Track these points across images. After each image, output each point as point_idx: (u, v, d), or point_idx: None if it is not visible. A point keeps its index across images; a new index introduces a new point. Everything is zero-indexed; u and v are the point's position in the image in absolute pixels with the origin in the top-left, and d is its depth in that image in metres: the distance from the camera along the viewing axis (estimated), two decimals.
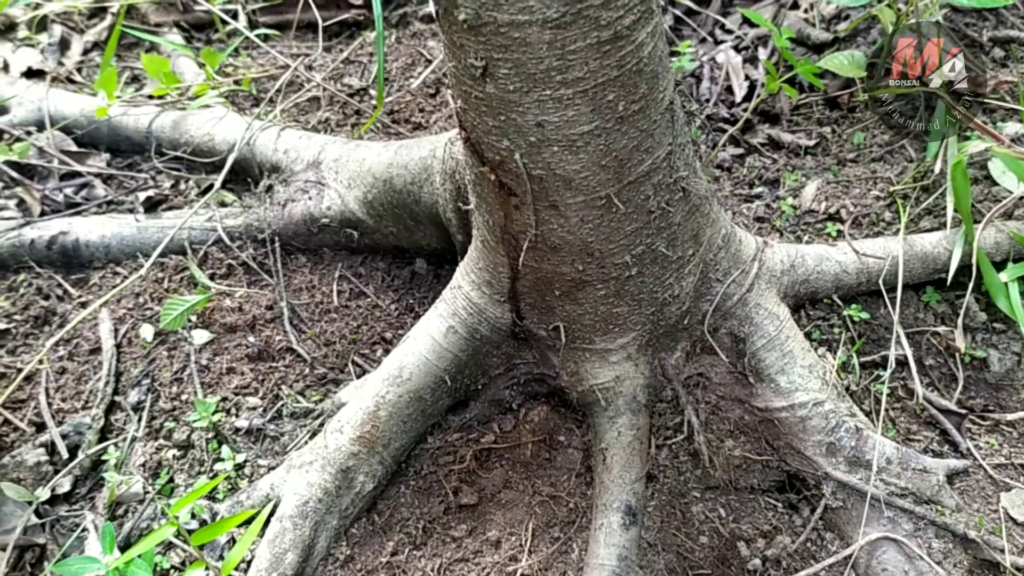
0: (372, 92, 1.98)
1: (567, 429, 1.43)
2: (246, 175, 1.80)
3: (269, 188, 1.67)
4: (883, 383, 1.41)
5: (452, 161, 1.37)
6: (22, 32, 2.26)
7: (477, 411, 1.43)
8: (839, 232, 1.55)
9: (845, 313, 1.46)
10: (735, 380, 1.39)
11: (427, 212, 1.50)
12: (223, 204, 1.73)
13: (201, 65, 2.10)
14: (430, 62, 2.04)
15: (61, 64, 2.23)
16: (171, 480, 1.39)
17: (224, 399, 1.48)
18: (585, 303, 1.25)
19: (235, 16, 2.16)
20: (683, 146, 1.15)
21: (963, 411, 1.41)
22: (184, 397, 1.50)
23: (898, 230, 1.50)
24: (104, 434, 1.46)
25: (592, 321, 1.28)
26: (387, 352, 1.55)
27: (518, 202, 1.12)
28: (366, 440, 1.30)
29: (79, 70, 2.22)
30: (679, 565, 1.33)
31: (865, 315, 1.46)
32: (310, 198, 1.62)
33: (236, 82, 1.98)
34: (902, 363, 1.45)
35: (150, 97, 1.98)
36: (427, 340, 1.33)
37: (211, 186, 1.75)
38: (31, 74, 2.17)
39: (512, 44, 0.94)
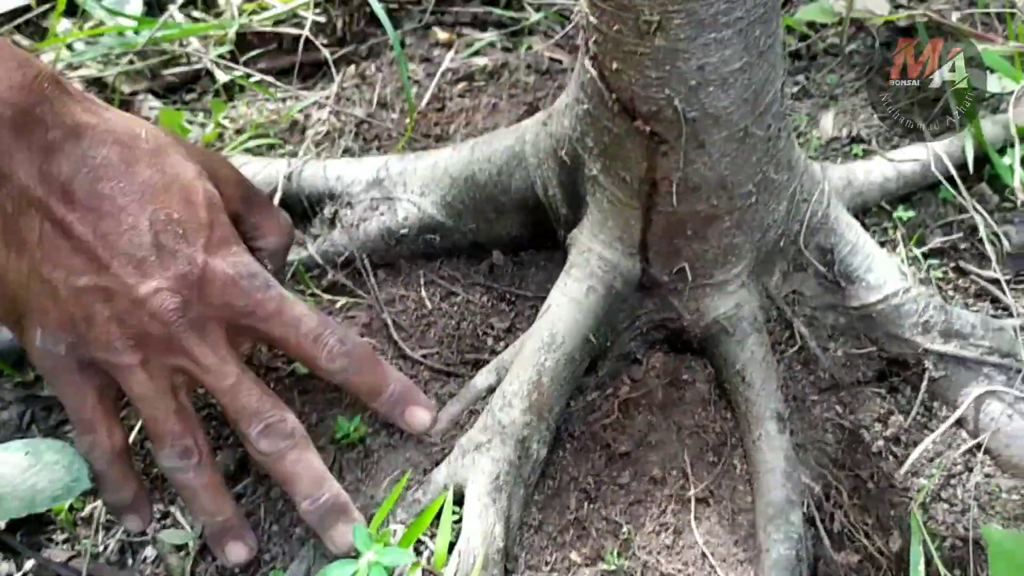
0: (375, 120, 2.05)
1: (687, 367, 1.55)
2: (288, 213, 1.83)
3: (334, 214, 1.72)
4: (943, 265, 1.64)
5: (550, 140, 1.48)
6: None
7: (607, 368, 1.54)
8: (865, 151, 1.77)
9: (895, 215, 1.67)
10: (824, 290, 1.56)
11: (516, 199, 1.59)
12: None
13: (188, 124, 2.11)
14: (418, 83, 2.14)
15: None
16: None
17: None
18: (711, 238, 1.39)
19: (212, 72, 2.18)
20: (785, 73, 1.32)
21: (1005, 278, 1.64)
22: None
23: (912, 141, 1.74)
24: None
25: (714, 256, 1.42)
26: (496, 340, 1.63)
27: (667, 148, 1.25)
28: (535, 408, 1.38)
29: None
30: (818, 460, 1.48)
31: (911, 213, 1.68)
32: (382, 214, 1.68)
33: (258, 126, 2.01)
34: (945, 251, 1.67)
35: None
36: (570, 304, 1.43)
37: None
38: None
39: None
